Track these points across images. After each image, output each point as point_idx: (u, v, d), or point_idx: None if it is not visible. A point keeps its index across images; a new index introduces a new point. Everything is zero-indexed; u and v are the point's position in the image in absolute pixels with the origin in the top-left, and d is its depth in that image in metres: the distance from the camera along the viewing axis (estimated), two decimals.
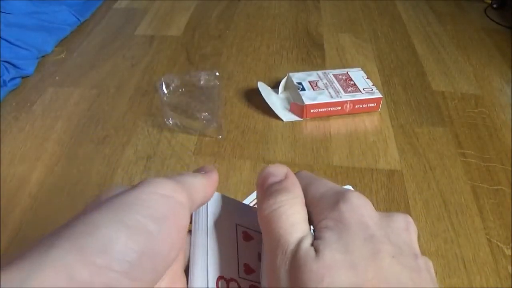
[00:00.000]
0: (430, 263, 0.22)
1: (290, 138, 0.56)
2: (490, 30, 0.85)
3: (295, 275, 0.19)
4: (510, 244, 0.44)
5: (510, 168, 0.53)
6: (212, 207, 0.26)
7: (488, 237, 0.44)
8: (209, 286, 0.23)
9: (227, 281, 0.25)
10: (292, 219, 0.21)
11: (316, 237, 0.21)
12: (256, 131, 0.57)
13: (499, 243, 0.44)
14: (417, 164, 0.52)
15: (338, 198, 0.22)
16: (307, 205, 0.23)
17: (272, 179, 0.23)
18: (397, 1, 0.96)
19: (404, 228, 0.21)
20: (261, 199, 0.23)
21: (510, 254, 0.43)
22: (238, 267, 0.25)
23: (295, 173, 0.25)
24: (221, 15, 0.88)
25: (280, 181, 0.23)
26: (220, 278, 0.25)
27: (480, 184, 0.50)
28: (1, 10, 0.71)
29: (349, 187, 0.26)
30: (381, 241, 0.20)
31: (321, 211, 0.22)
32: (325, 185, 0.23)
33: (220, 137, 0.56)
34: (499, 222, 0.46)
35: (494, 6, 0.93)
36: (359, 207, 0.21)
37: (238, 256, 0.25)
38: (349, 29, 0.84)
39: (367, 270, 0.19)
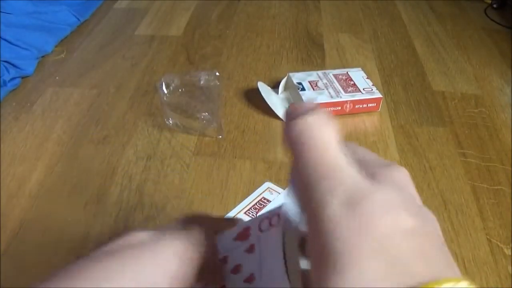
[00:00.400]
0: (432, 215, 0.22)
1: None
2: (490, 30, 0.85)
3: (356, 207, 0.18)
4: (510, 244, 0.44)
5: (510, 168, 0.53)
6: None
7: (488, 237, 0.44)
8: None
9: None
10: (332, 141, 0.19)
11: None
12: (256, 131, 0.57)
13: (499, 243, 0.44)
14: (417, 164, 0.52)
15: (389, 164, 0.21)
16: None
17: (295, 111, 0.20)
18: (397, 1, 0.96)
19: (410, 181, 0.22)
20: (287, 122, 0.20)
21: (510, 254, 0.43)
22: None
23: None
24: (221, 15, 0.88)
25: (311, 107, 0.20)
26: None
27: (480, 184, 0.50)
28: (1, 10, 0.71)
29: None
30: (418, 207, 0.20)
31: (369, 168, 0.20)
32: (377, 157, 0.23)
33: (220, 137, 0.56)
34: (499, 222, 0.46)
35: (494, 6, 0.93)
36: (406, 180, 0.21)
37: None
38: (349, 29, 0.84)
39: (407, 221, 0.18)
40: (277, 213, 0.24)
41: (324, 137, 0.19)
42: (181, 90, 0.55)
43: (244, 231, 0.25)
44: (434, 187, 0.50)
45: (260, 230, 0.24)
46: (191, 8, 0.90)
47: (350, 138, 0.57)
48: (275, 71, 0.70)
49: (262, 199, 0.48)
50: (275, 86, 0.64)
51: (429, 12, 0.92)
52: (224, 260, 0.26)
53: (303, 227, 0.21)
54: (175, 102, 0.56)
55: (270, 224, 0.24)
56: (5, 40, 0.67)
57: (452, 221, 0.46)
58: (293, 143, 0.19)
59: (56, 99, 0.63)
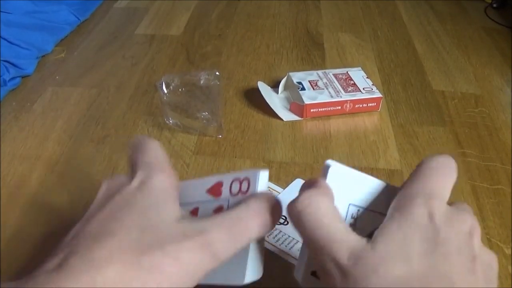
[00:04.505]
0: (493, 265, 0.23)
1: (290, 137, 0.56)
2: (490, 30, 0.85)
3: (351, 266, 0.20)
4: (510, 244, 0.44)
5: (510, 168, 0.53)
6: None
7: (488, 236, 0.44)
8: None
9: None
10: (325, 219, 0.22)
11: (380, 225, 0.21)
12: (256, 131, 0.57)
13: (499, 243, 0.44)
14: (417, 164, 0.52)
15: (420, 196, 0.22)
16: (400, 192, 0.23)
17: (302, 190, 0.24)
18: (398, 0, 0.96)
19: (467, 231, 0.22)
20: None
21: (510, 253, 0.43)
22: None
23: (432, 155, 0.25)
24: (221, 15, 0.88)
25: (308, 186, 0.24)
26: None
27: (480, 184, 0.50)
28: (1, 10, 0.71)
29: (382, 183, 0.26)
30: (440, 242, 0.20)
31: (400, 201, 0.22)
32: (428, 182, 0.23)
33: (220, 136, 0.56)
34: (499, 222, 0.46)
35: (494, 5, 0.92)
36: (433, 212, 0.21)
37: None
38: (349, 28, 0.84)
39: (419, 264, 0.19)
40: (247, 178, 0.25)
41: (318, 214, 0.22)
42: (181, 89, 0.55)
43: (217, 186, 0.26)
44: None
45: (231, 192, 0.25)
46: (191, 8, 0.90)
47: (350, 138, 0.57)
48: (275, 71, 0.70)
49: None
50: (275, 86, 0.64)
51: (429, 11, 0.92)
52: (195, 212, 0.27)
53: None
54: (175, 102, 0.56)
55: (240, 190, 0.25)
56: (5, 39, 0.67)
57: None
58: (294, 224, 0.23)
59: (56, 99, 0.63)
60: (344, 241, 0.21)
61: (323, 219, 0.22)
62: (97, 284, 0.18)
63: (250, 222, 0.22)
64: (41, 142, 0.55)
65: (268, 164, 0.52)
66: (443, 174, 0.24)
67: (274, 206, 0.24)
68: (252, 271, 0.24)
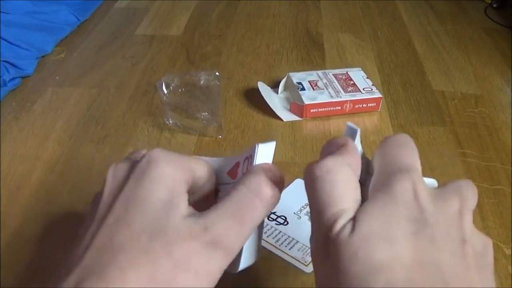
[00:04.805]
0: (487, 250, 0.21)
1: (290, 138, 0.56)
2: (490, 30, 0.85)
3: (331, 253, 0.19)
4: (510, 244, 0.44)
5: (510, 168, 0.53)
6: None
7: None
8: None
9: None
10: (336, 189, 0.20)
11: (361, 206, 0.20)
12: (256, 131, 0.57)
13: (499, 243, 0.44)
14: None
15: (401, 172, 0.21)
16: (375, 173, 0.22)
17: (328, 149, 0.23)
18: (398, 1, 0.96)
19: (457, 212, 0.20)
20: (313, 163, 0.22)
21: (510, 253, 0.43)
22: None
23: (393, 135, 0.24)
24: (221, 15, 0.88)
25: (332, 150, 0.23)
26: None
27: (480, 184, 0.50)
28: (1, 10, 0.71)
29: (433, 181, 0.25)
30: (426, 224, 0.19)
31: (382, 179, 0.21)
32: (403, 156, 0.23)
33: (220, 136, 0.56)
34: (499, 222, 0.46)
35: (494, 5, 0.92)
36: (416, 188, 0.20)
37: None
38: (349, 29, 0.84)
39: (403, 248, 0.18)
40: (251, 154, 0.24)
41: (333, 183, 0.21)
42: (181, 89, 0.55)
43: (235, 167, 0.26)
44: None
45: (242, 172, 0.25)
46: (191, 8, 0.90)
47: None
48: (275, 71, 0.70)
49: None
50: (275, 86, 0.64)
51: (429, 11, 0.92)
52: (216, 192, 0.27)
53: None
54: (175, 102, 0.56)
55: (247, 169, 0.24)
56: (5, 40, 0.67)
57: None
58: (306, 185, 0.22)
59: (56, 99, 0.63)
60: (334, 214, 0.20)
61: (336, 189, 0.20)
62: None
63: (252, 203, 0.21)
64: (41, 142, 0.55)
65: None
66: (411, 148, 0.23)
67: (275, 176, 0.23)
68: (247, 258, 0.24)
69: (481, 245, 0.21)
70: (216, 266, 0.21)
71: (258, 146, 0.23)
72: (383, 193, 0.20)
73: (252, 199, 0.21)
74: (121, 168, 0.23)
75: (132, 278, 0.19)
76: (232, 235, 0.21)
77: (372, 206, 0.20)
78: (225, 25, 0.84)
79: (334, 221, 0.19)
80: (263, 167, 0.23)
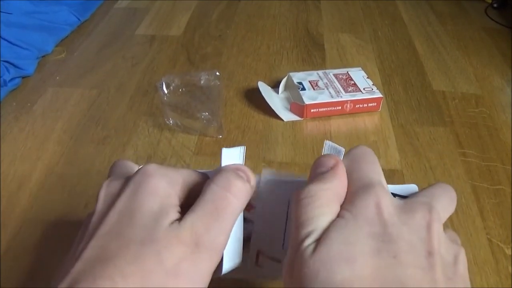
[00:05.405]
0: (459, 258, 0.20)
1: (290, 138, 0.56)
2: (490, 30, 0.85)
3: (295, 271, 0.19)
4: (511, 244, 0.44)
5: (510, 168, 0.53)
6: (264, 185, 0.26)
7: (488, 237, 0.44)
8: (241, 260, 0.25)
9: (267, 257, 0.27)
10: (313, 212, 0.21)
11: (328, 226, 0.20)
12: (256, 131, 0.57)
13: (499, 243, 0.44)
14: (418, 164, 0.52)
15: (365, 189, 0.21)
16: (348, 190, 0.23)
17: (318, 169, 0.23)
18: (398, 1, 0.96)
19: (424, 225, 0.20)
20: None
21: (510, 254, 0.43)
22: (284, 241, 0.27)
23: (353, 147, 0.24)
24: (221, 15, 0.88)
25: (323, 172, 0.23)
26: (259, 252, 0.27)
27: (481, 184, 0.50)
28: (1, 10, 0.71)
29: (414, 186, 0.25)
30: (388, 239, 0.19)
31: (347, 199, 0.22)
32: (366, 171, 0.23)
33: (220, 136, 0.56)
34: (499, 222, 0.46)
35: (495, 6, 0.92)
36: (379, 202, 0.20)
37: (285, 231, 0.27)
38: (350, 29, 0.84)
39: (364, 267, 0.18)
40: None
41: (314, 204, 0.21)
42: (182, 90, 0.55)
43: None
44: None
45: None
46: (191, 8, 0.90)
47: (350, 138, 0.57)
48: (275, 71, 0.70)
49: None
50: (275, 86, 0.64)
51: (429, 12, 0.92)
52: None
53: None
54: (175, 102, 0.56)
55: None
56: (5, 40, 0.67)
57: (452, 221, 0.46)
58: (292, 204, 0.22)
59: (56, 99, 0.63)
60: (304, 234, 0.20)
61: (311, 211, 0.21)
62: None
63: (225, 198, 0.22)
64: (41, 143, 0.55)
65: (268, 164, 0.52)
66: (372, 161, 0.23)
67: (239, 169, 0.24)
68: (229, 261, 0.24)
69: (451, 255, 0.20)
70: (205, 267, 0.21)
71: (222, 150, 0.25)
72: (347, 211, 0.21)
73: (223, 194, 0.22)
74: (114, 184, 0.24)
75: None
76: (213, 232, 0.21)
77: (336, 226, 0.20)
78: (226, 26, 0.84)
79: (302, 241, 0.20)
80: (230, 166, 0.24)
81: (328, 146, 0.25)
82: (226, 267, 0.24)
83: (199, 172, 0.26)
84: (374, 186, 0.21)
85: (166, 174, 0.23)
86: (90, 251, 0.20)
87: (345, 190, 0.22)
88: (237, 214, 0.23)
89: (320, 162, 0.23)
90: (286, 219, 0.27)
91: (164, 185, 0.22)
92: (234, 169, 0.24)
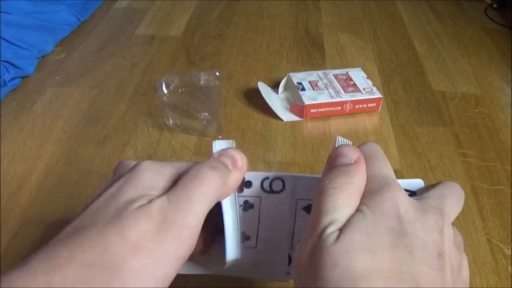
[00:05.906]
0: (463, 265, 0.22)
1: (290, 138, 0.56)
2: (490, 30, 0.85)
3: (315, 259, 0.20)
4: (510, 244, 0.44)
5: (510, 168, 0.53)
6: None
7: (488, 237, 0.44)
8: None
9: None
10: (337, 202, 0.21)
11: (349, 218, 0.21)
12: (256, 131, 0.57)
13: (499, 243, 0.44)
14: (417, 164, 0.52)
15: (382, 185, 0.22)
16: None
17: (340, 160, 0.24)
18: (398, 1, 0.96)
19: (437, 229, 0.21)
20: (324, 174, 0.24)
21: (510, 254, 0.43)
22: (293, 240, 0.27)
23: (362, 144, 0.25)
24: (221, 15, 0.88)
25: (347, 165, 0.23)
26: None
27: (480, 184, 0.50)
28: (1, 10, 0.71)
29: (420, 181, 0.26)
30: (404, 235, 0.20)
31: (365, 195, 0.22)
32: (380, 169, 0.23)
33: (220, 137, 0.56)
34: (499, 222, 0.46)
35: (494, 6, 0.92)
36: (397, 199, 0.21)
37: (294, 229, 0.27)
38: (349, 29, 0.84)
39: (383, 258, 0.19)
40: (281, 177, 0.26)
41: (336, 195, 0.22)
42: (181, 90, 0.55)
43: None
44: None
45: (263, 189, 0.27)
46: (191, 8, 0.90)
47: (350, 138, 0.56)
48: (275, 71, 0.70)
49: None
50: (275, 86, 0.64)
51: (429, 12, 0.92)
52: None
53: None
54: (175, 102, 0.56)
55: (271, 188, 0.27)
56: (5, 40, 0.67)
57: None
58: (314, 194, 0.23)
59: (56, 99, 0.63)
60: (326, 222, 0.21)
61: (335, 201, 0.21)
62: (54, 284, 0.18)
63: (195, 182, 0.23)
64: (41, 143, 0.55)
65: (268, 165, 0.52)
66: (383, 157, 0.24)
67: (220, 153, 0.25)
68: (232, 251, 0.25)
69: (457, 261, 0.21)
70: (171, 247, 0.21)
71: (213, 142, 0.26)
72: (366, 206, 0.21)
73: (194, 179, 0.23)
74: (111, 180, 0.25)
75: (80, 260, 0.19)
76: (182, 212, 0.21)
77: (357, 218, 0.21)
78: (225, 26, 0.84)
79: (324, 228, 0.20)
80: (220, 151, 0.26)
81: (339, 140, 0.25)
82: (229, 257, 0.25)
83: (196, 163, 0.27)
84: (390, 182, 0.22)
85: (156, 170, 0.24)
86: (69, 227, 0.22)
87: (365, 185, 0.23)
88: (209, 197, 0.23)
89: (343, 153, 0.24)
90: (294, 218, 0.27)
91: (150, 179, 0.23)
92: (212, 160, 0.25)
